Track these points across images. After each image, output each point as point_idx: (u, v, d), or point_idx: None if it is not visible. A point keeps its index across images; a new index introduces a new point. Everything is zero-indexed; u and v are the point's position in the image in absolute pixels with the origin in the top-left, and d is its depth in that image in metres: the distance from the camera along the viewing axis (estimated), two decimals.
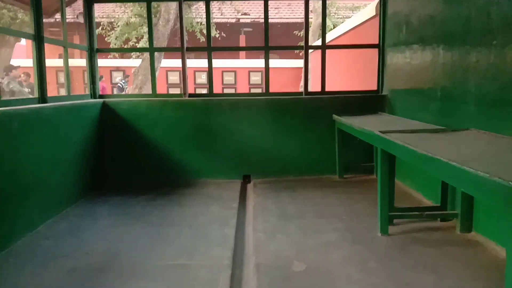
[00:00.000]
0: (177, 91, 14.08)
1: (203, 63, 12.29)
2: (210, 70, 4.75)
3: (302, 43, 4.84)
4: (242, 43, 18.64)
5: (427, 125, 3.36)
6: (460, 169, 1.74)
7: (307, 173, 4.68)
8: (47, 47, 3.69)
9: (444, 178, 2.03)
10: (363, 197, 3.86)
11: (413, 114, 3.91)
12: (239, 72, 15.76)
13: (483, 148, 2.22)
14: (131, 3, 12.51)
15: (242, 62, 16.57)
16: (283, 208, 3.59)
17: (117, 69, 15.83)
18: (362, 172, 4.71)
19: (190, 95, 4.74)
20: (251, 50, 9.18)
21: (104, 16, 14.81)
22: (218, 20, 15.97)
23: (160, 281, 2.34)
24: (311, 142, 4.66)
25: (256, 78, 15.56)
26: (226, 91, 14.69)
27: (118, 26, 13.44)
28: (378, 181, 2.91)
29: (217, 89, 5.03)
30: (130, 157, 4.61)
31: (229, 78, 15.38)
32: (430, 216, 3.07)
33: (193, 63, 13.84)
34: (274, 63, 14.41)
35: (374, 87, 4.83)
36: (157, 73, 4.90)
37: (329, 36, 8.70)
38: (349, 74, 7.39)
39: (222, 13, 17.19)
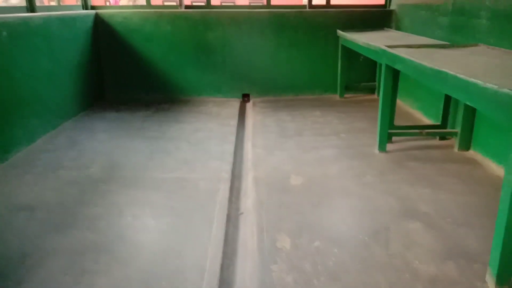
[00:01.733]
0: None
1: None
2: None
3: None
4: None
5: (436, 41, 3.21)
6: (468, 82, 1.68)
7: (307, 92, 4.61)
8: None
9: (450, 92, 1.97)
10: (363, 115, 3.83)
11: (421, 30, 3.73)
12: None
13: (492, 63, 2.13)
14: None
15: None
16: (282, 126, 3.57)
17: None
18: (363, 91, 4.64)
19: (187, 7, 4.49)
20: None
21: None
22: None
23: (161, 191, 2.39)
24: (313, 59, 4.51)
25: None
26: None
27: None
28: (380, 97, 2.85)
29: (215, 3, 4.76)
30: (127, 73, 4.49)
31: None
32: (429, 134, 3.06)
33: None
34: None
35: (382, 1, 4.56)
36: None
37: None
38: None
39: None
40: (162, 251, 1.83)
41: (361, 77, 4.59)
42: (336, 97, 4.55)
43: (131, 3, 9.58)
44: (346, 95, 4.56)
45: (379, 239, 1.91)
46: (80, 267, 1.72)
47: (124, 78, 4.50)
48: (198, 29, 4.38)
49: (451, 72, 1.80)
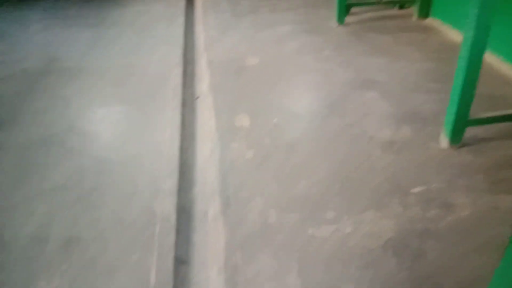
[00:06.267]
0: None
1: None
2: None
3: None
4: None
5: None
6: None
7: None
8: None
9: None
10: None
11: None
12: None
13: None
14: None
15: None
16: (235, 4, 3.31)
17: None
18: None
19: None
20: None
21: None
22: None
23: (107, 80, 2.22)
24: None
25: None
26: None
27: None
28: None
29: None
30: None
31: None
32: (388, 3, 2.93)
33: None
34: None
35: None
36: None
37: None
38: None
39: None
40: (115, 139, 1.75)
41: None
42: None
43: None
44: None
45: (337, 110, 1.90)
46: (30, 160, 1.62)
47: None
48: None
49: None
